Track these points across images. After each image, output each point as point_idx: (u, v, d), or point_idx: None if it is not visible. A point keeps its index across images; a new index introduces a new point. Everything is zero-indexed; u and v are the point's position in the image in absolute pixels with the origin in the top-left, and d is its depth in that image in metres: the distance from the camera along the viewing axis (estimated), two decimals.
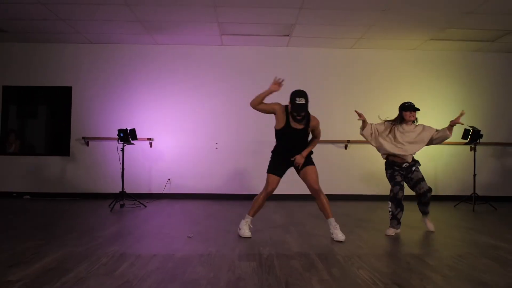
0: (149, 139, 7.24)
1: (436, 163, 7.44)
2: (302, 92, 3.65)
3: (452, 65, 7.57)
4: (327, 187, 7.09)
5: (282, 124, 3.73)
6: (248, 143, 7.35)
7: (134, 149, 7.12)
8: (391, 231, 4.03)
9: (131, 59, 7.39)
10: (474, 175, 6.26)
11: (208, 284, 2.43)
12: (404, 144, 4.05)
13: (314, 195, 3.81)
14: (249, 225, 3.85)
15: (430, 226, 4.27)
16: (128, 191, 6.95)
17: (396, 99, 7.54)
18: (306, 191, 7.27)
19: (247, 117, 7.24)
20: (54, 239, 3.63)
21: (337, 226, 3.71)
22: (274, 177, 3.78)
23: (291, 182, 7.31)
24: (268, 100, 3.77)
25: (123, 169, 6.01)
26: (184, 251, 3.21)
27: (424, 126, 4.17)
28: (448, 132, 4.02)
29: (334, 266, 2.83)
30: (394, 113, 7.45)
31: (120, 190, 6.00)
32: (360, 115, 4.18)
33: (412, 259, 3.06)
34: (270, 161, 3.87)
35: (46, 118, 7.48)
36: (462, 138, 6.25)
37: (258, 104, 3.71)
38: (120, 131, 5.88)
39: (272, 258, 3.02)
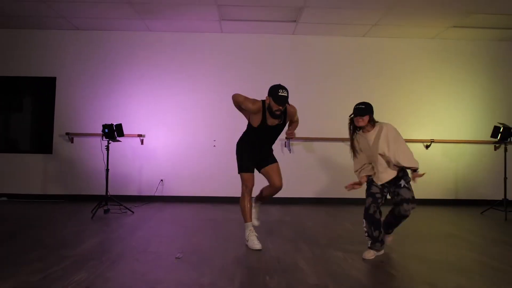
0: (139, 135, 6.53)
1: (457, 164, 6.73)
2: (284, 86, 3.34)
3: (477, 55, 6.83)
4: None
5: (258, 122, 3.46)
6: None
7: (123, 147, 6.42)
8: (370, 254, 3.15)
9: (121, 47, 6.67)
10: (505, 178, 5.55)
11: None
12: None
13: (274, 193, 3.67)
14: (254, 233, 3.47)
15: (389, 240, 3.43)
16: (116, 193, 6.28)
17: (413, 93, 6.87)
18: (315, 194, 6.65)
19: None
20: (8, 261, 2.93)
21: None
22: (248, 175, 3.51)
23: (299, 184, 6.67)
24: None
25: (107, 169, 5.30)
26: (167, 282, 2.52)
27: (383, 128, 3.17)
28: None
29: None
30: (410, 107, 6.80)
31: (105, 193, 5.29)
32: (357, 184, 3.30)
33: None
34: (238, 160, 3.57)
35: (26, 112, 6.78)
36: (492, 136, 5.53)
37: (241, 103, 3.46)
38: (105, 126, 5.17)
39: None
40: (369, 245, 3.18)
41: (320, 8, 5.61)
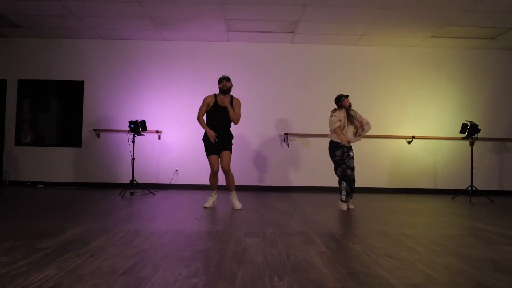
0: (157, 131, 7.52)
1: (435, 157, 7.66)
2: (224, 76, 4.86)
3: (453, 62, 7.78)
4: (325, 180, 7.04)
5: (211, 105, 4.83)
6: (254, 136, 7.62)
7: (142, 142, 7.40)
8: (344, 206, 4.89)
9: (140, 54, 7.67)
10: (472, 168, 6.47)
11: (216, 253, 2.70)
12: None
13: (224, 174, 4.88)
14: (213, 199, 5.00)
15: (351, 206, 5.04)
16: (137, 181, 7.25)
17: (397, 95, 7.82)
18: (308, 183, 7.59)
19: (252, 110, 7.52)
20: (74, 218, 3.92)
21: (235, 197, 4.96)
22: (213, 157, 4.85)
23: (295, 173, 7.65)
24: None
25: (133, 158, 6.29)
26: (193, 229, 3.48)
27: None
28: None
29: (331, 242, 3.09)
30: (394, 107, 7.74)
31: (130, 179, 6.27)
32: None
33: (403, 237, 3.30)
34: (205, 147, 4.94)
35: (58, 110, 7.79)
36: (460, 132, 6.46)
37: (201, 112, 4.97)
38: (131, 122, 6.16)
39: (274, 236, 3.28)
40: (344, 199, 4.92)
41: (313, 21, 6.58)
